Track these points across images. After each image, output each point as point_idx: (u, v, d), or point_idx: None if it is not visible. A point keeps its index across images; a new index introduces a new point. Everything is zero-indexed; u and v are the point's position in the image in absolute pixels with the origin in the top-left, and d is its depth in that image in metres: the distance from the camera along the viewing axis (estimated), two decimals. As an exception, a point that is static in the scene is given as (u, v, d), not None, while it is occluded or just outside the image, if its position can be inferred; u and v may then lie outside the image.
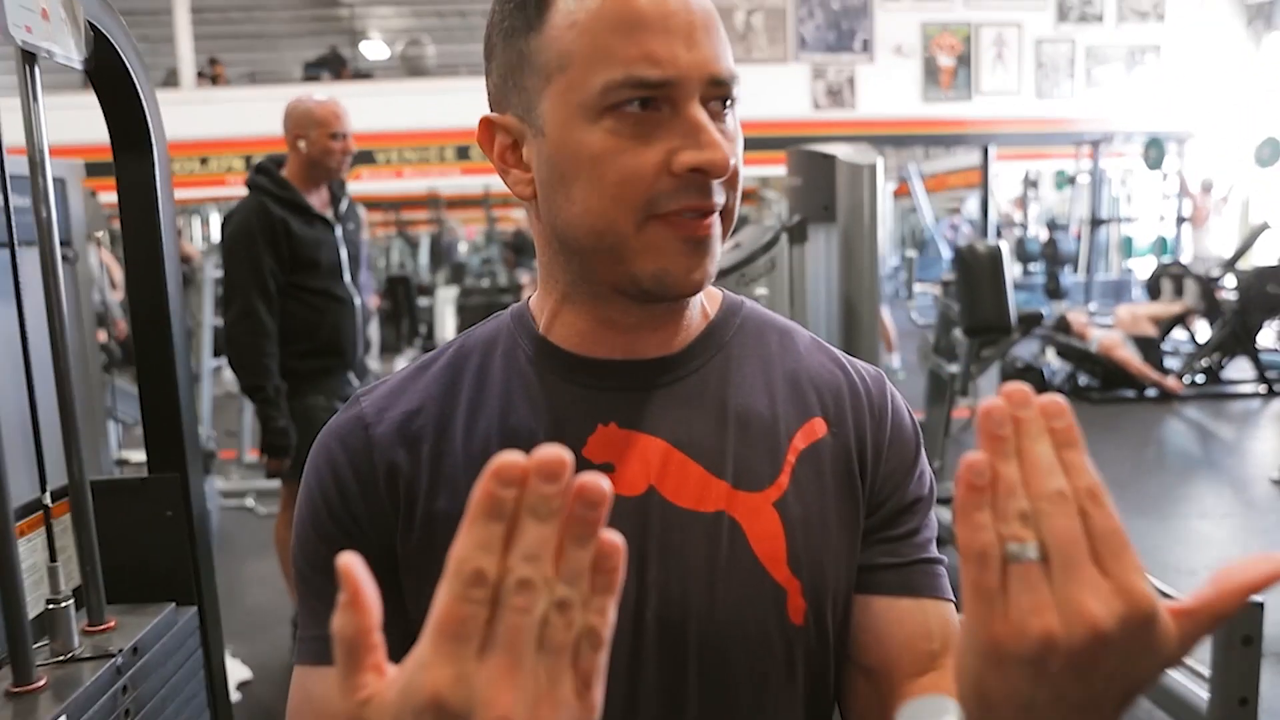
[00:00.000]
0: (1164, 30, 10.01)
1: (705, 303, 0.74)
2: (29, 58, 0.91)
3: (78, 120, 3.18)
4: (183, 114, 8.84)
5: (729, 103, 0.64)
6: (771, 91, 9.76)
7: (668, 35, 0.61)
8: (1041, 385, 6.35)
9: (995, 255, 3.31)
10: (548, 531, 0.35)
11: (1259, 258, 7.05)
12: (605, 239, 0.63)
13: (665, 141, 0.61)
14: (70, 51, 0.95)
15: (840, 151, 2.97)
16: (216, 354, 5.48)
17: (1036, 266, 10.31)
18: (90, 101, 1.14)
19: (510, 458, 0.35)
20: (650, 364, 0.70)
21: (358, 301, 2.74)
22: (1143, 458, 5.19)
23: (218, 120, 8.83)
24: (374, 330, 6.94)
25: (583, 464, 0.67)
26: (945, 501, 3.57)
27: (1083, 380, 6.43)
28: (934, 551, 0.74)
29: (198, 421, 1.25)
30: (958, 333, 3.66)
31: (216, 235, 11.53)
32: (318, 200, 2.67)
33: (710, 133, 0.61)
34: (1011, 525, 0.40)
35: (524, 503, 0.35)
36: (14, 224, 0.95)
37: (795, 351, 0.74)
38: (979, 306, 3.41)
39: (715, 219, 0.64)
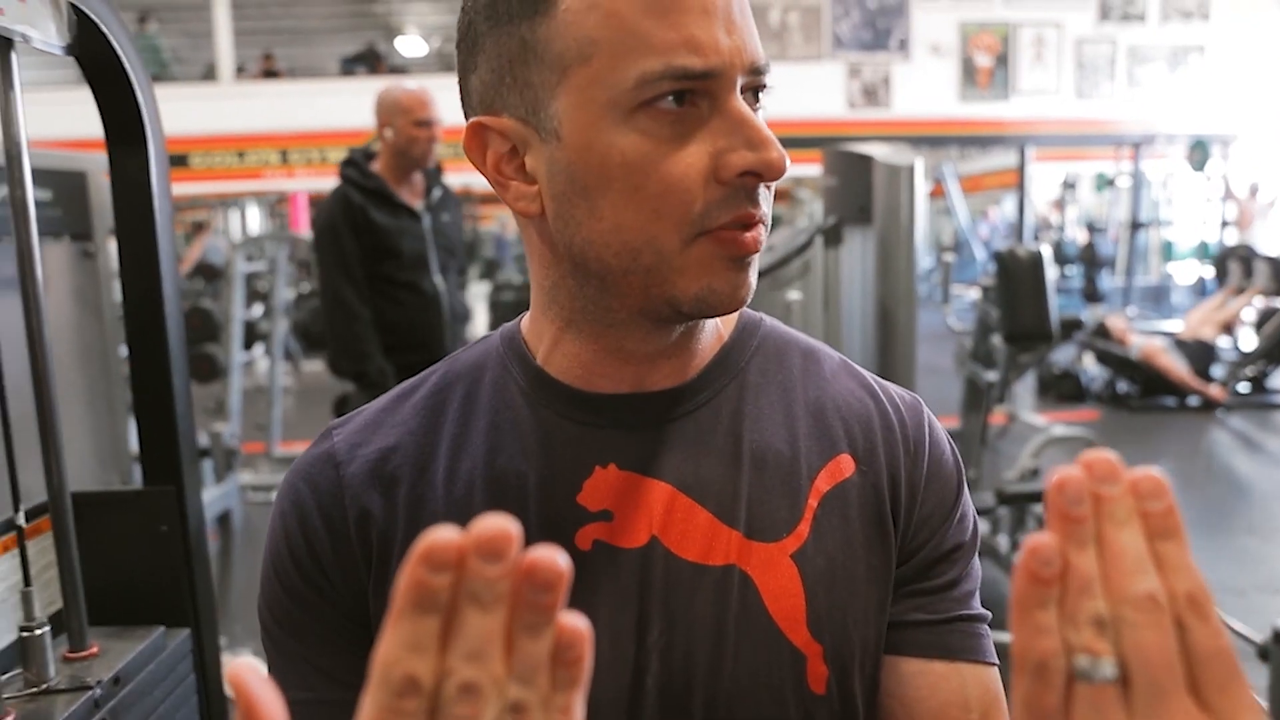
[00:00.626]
0: (1209, 30, 9.76)
1: (720, 321, 0.65)
2: (4, 43, 0.85)
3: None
4: (221, 108, 8.90)
5: (762, 93, 0.57)
6: (806, 90, 9.65)
7: (707, 17, 0.52)
8: (1079, 392, 6.20)
9: (1037, 260, 3.19)
10: (493, 622, 0.29)
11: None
12: (642, 258, 0.54)
13: (707, 142, 0.53)
14: (50, 36, 0.88)
15: (878, 152, 2.87)
16: (247, 347, 5.49)
17: (1074, 270, 10.11)
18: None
19: (443, 535, 0.28)
20: (657, 397, 0.61)
21: (445, 295, 2.65)
22: (1185, 470, 5.03)
23: (255, 114, 8.87)
24: (481, 326, 6.87)
25: (578, 512, 0.60)
26: (982, 512, 3.46)
27: (1122, 387, 6.26)
28: (975, 607, 0.65)
29: (195, 430, 1.18)
30: (996, 339, 3.54)
31: (253, 229, 11.62)
32: (408, 190, 2.61)
33: (760, 129, 0.53)
34: (1084, 633, 0.31)
35: (463, 589, 0.29)
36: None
37: (820, 376, 0.66)
38: (1020, 313, 3.29)
39: (761, 230, 0.56)
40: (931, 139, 9.95)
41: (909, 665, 0.62)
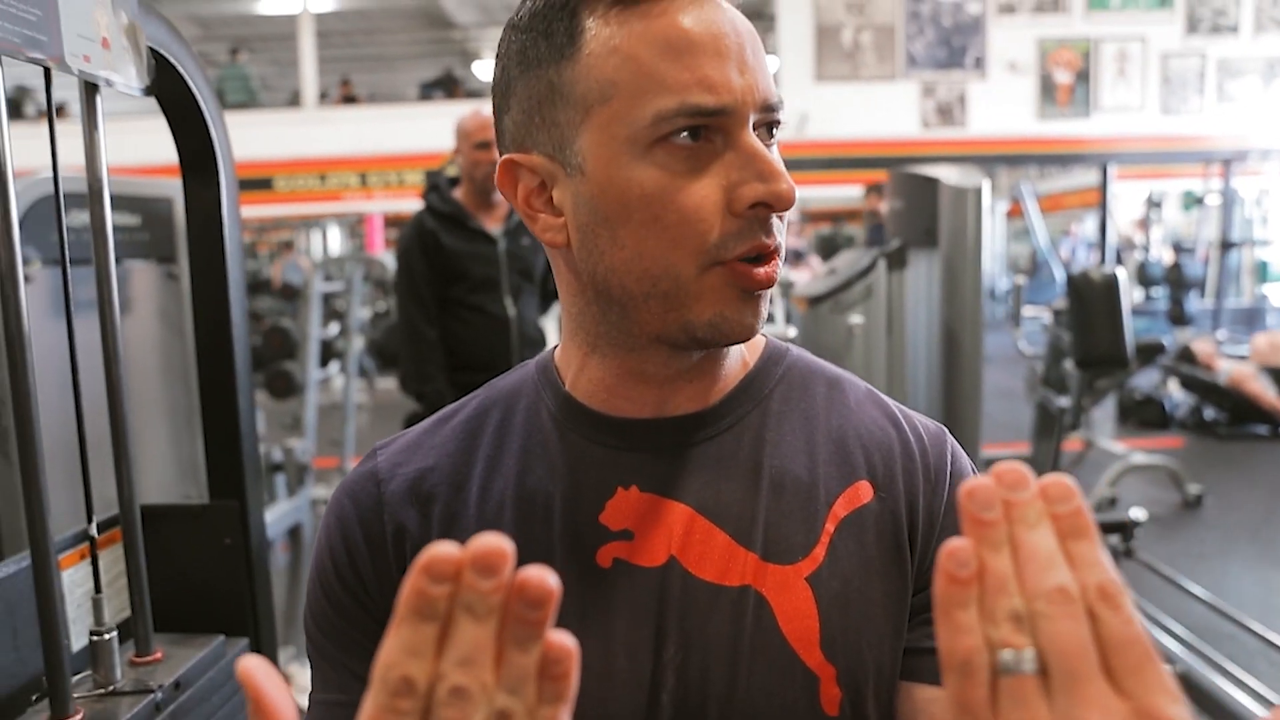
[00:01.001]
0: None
1: (745, 350, 0.68)
2: (90, 87, 0.91)
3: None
4: (304, 133, 9.24)
5: (775, 129, 0.60)
6: (879, 110, 9.56)
7: (720, 59, 0.56)
8: (1163, 419, 5.98)
9: (1111, 284, 3.11)
10: (485, 632, 0.31)
11: None
12: (660, 284, 0.58)
13: (721, 175, 0.56)
14: (131, 80, 0.94)
15: (944, 174, 2.84)
16: (323, 365, 5.65)
17: (1159, 291, 9.77)
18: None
19: (443, 549, 0.31)
20: (679, 421, 0.64)
21: (515, 318, 2.68)
22: (1270, 502, 4.80)
23: (336, 139, 9.18)
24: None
25: (600, 531, 0.62)
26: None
27: (1209, 414, 6.01)
28: None
29: (259, 446, 1.24)
30: (1068, 364, 3.45)
31: (334, 249, 11.98)
32: (488, 214, 2.67)
33: (772, 162, 0.56)
34: (1002, 629, 0.33)
35: (459, 600, 0.31)
36: (66, 242, 0.95)
37: (843, 405, 0.68)
38: (1092, 338, 3.21)
39: (774, 265, 0.59)
40: (1008, 158, 9.75)
41: (923, 691, 0.63)
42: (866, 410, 0.68)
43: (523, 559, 0.60)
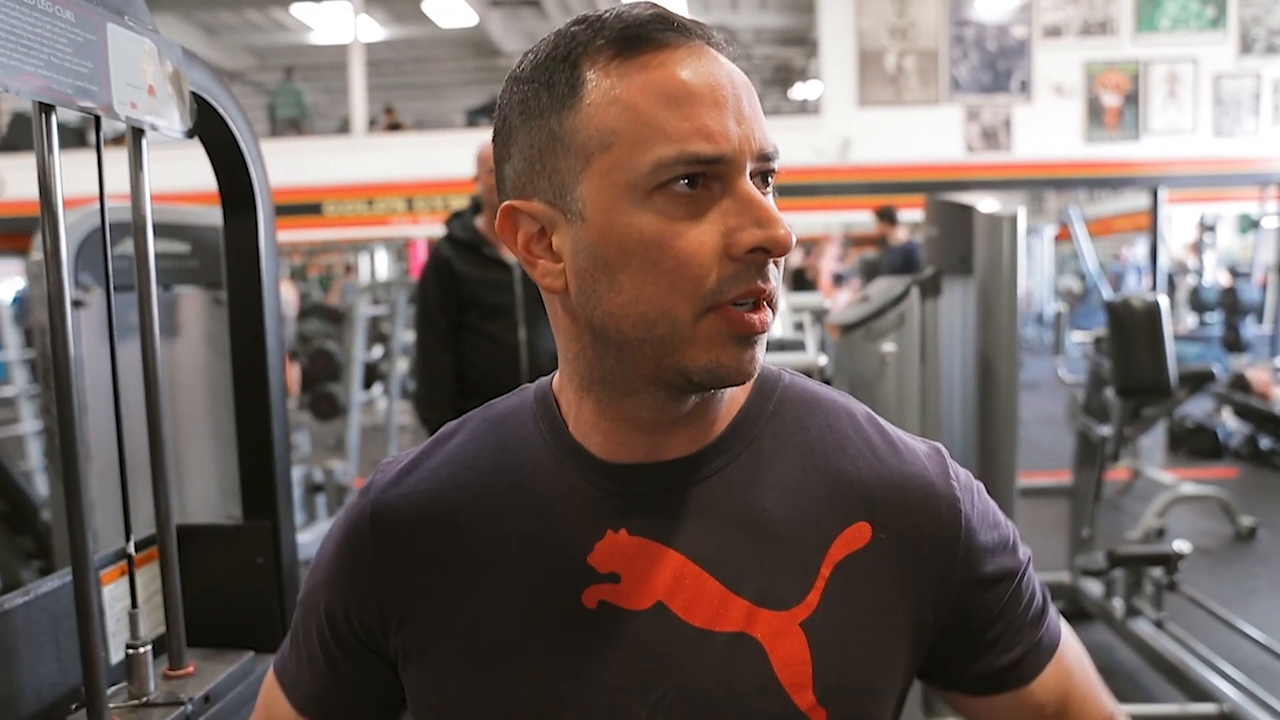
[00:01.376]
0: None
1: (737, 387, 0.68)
2: (136, 132, 0.97)
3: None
4: (353, 159, 9.46)
5: (771, 178, 0.61)
6: (923, 135, 9.52)
7: (718, 109, 0.57)
8: (1215, 449, 5.84)
9: (1153, 311, 3.06)
10: None
11: None
12: (656, 329, 0.58)
13: (719, 221, 0.58)
14: (174, 124, 1.00)
15: (979, 201, 2.83)
16: (366, 387, 5.76)
17: (1213, 317, 9.56)
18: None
19: None
20: (671, 466, 0.64)
21: (526, 346, 2.66)
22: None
23: (384, 165, 9.38)
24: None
25: (587, 572, 0.63)
26: (1093, 574, 3.30)
27: (1264, 443, 5.85)
28: (1034, 632, 0.69)
29: (290, 470, 1.29)
30: (1109, 392, 3.40)
31: (381, 273, 12.22)
32: None
33: (769, 209, 0.58)
34: None
35: None
36: (118, 268, 1.00)
37: (841, 437, 0.67)
38: (1133, 365, 3.16)
39: (768, 311, 0.60)
40: (1056, 182, 9.63)
41: (977, 700, 0.68)
42: (863, 443, 0.67)
43: (509, 595, 0.63)
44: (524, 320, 2.64)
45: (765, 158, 0.59)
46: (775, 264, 0.60)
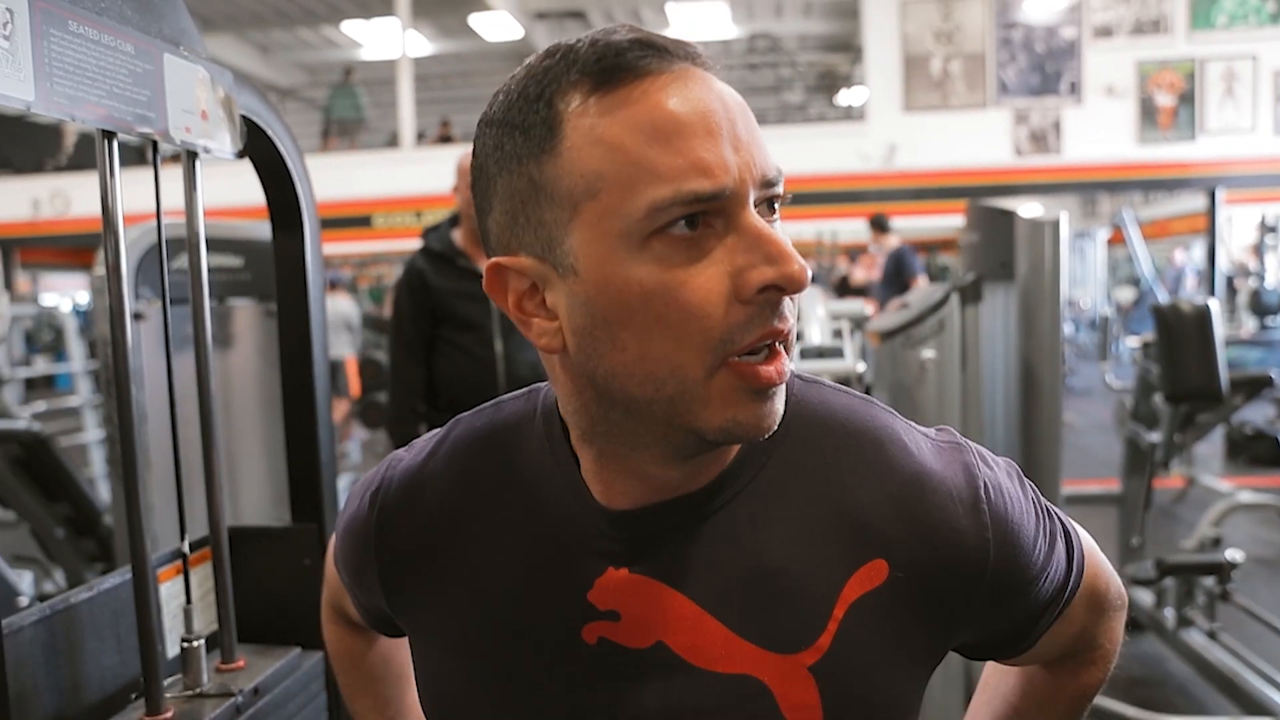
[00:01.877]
0: None
1: None
2: (190, 155, 1.03)
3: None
4: (401, 172, 9.65)
5: (777, 203, 0.56)
6: (970, 139, 9.42)
7: (712, 138, 0.52)
8: (1275, 455, 5.68)
9: (1203, 315, 3.01)
10: None
11: None
12: (665, 388, 0.54)
13: (725, 262, 0.52)
14: (225, 146, 1.06)
15: (1021, 207, 2.82)
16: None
17: (1276, 320, 9.28)
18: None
19: None
20: (674, 504, 0.60)
21: (503, 359, 2.64)
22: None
23: (432, 177, 9.55)
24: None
25: (587, 608, 0.61)
26: (1143, 583, 3.25)
27: (1328, 452, 5.68)
28: (1059, 594, 0.66)
29: (337, 476, 1.34)
30: (1158, 398, 3.34)
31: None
32: (483, 254, 2.72)
33: (779, 242, 0.53)
34: None
35: None
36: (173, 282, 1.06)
37: (855, 464, 0.61)
38: (1182, 371, 3.11)
39: (784, 358, 0.55)
40: (1107, 184, 9.46)
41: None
42: (880, 466, 0.61)
43: (509, 624, 0.63)
44: (500, 333, 2.58)
45: (769, 183, 0.54)
46: (791, 300, 0.55)
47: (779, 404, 0.56)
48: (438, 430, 0.72)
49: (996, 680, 0.79)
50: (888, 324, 2.87)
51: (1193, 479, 5.00)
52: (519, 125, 0.55)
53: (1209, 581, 3.02)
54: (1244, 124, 9.21)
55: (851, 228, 8.96)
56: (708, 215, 0.52)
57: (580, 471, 0.62)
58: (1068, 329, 8.68)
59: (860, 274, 7.53)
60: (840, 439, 0.62)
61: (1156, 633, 3.21)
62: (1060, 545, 0.66)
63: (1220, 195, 9.40)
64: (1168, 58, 9.28)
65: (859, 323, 3.06)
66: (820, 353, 2.41)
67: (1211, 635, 2.98)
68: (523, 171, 0.55)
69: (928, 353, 2.71)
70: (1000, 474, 0.64)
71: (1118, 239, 11.87)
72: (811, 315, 2.72)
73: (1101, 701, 2.64)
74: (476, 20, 11.02)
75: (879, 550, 0.59)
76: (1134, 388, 3.76)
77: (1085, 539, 0.70)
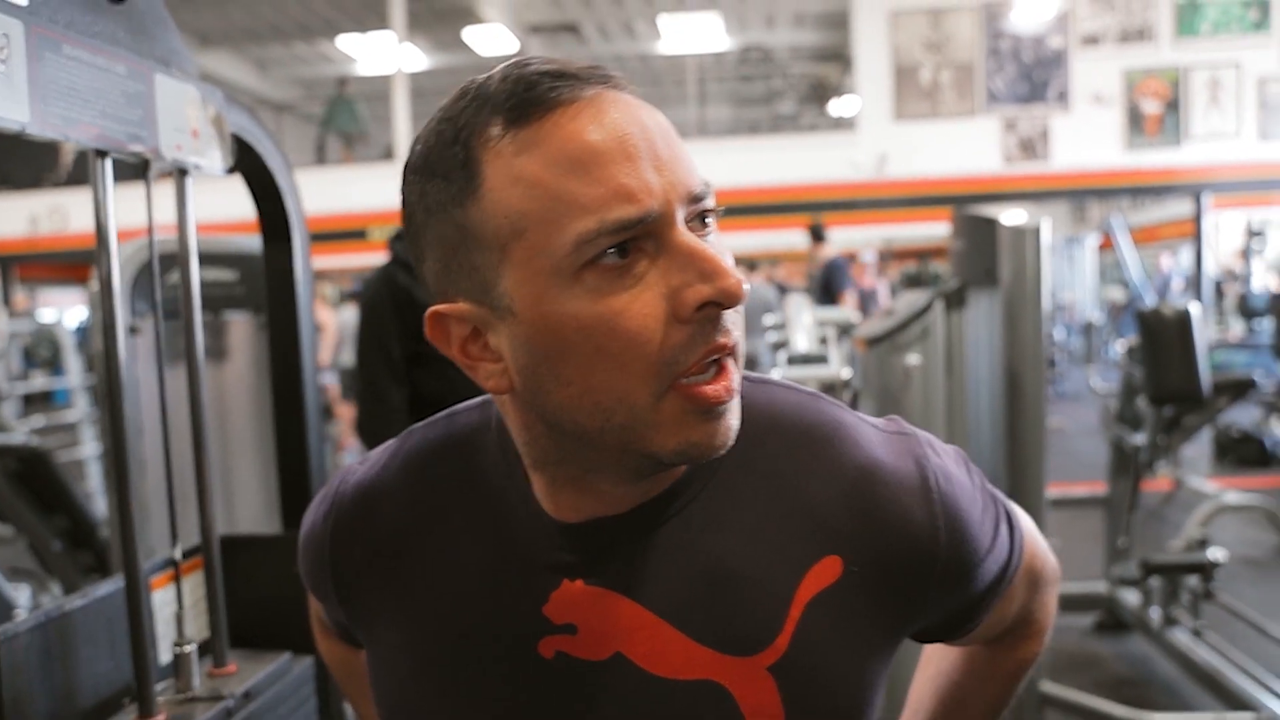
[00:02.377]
0: None
1: None
2: (181, 172, 1.06)
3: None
4: (397, 185, 9.67)
5: (710, 216, 0.56)
6: (960, 147, 9.50)
7: (631, 163, 0.52)
8: (1262, 457, 5.73)
9: (1184, 319, 3.05)
10: None
11: None
12: (615, 417, 0.54)
13: (660, 284, 0.53)
14: (215, 163, 1.09)
15: (1003, 214, 2.86)
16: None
17: (1263, 323, 9.36)
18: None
19: None
20: (628, 517, 0.61)
21: None
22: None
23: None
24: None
25: (542, 622, 0.61)
26: (1129, 583, 3.28)
27: (1316, 453, 5.73)
28: (1003, 577, 0.67)
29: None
30: (1141, 401, 3.38)
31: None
32: None
33: (713, 258, 0.53)
34: None
35: None
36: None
37: (805, 459, 0.62)
38: (1164, 374, 3.15)
39: (733, 370, 0.55)
40: (1096, 191, 9.54)
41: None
42: (833, 463, 0.62)
43: (463, 639, 0.63)
44: None
45: (696, 199, 0.54)
46: (734, 312, 0.55)
47: (732, 419, 0.56)
48: (392, 441, 0.71)
49: (938, 658, 0.82)
50: (873, 331, 2.90)
51: (1180, 481, 5.03)
52: (439, 172, 0.55)
53: (1194, 581, 3.05)
54: (1229, 130, 9.29)
55: (845, 237, 9.02)
56: (637, 240, 0.52)
57: (533, 487, 0.62)
58: (1059, 334, 8.71)
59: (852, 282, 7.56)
60: (789, 436, 0.63)
61: (1143, 632, 3.24)
62: (1004, 528, 0.67)
63: (1206, 201, 9.47)
64: (1153, 66, 9.38)
65: (846, 329, 3.09)
66: (806, 359, 2.44)
67: (1197, 634, 3.01)
68: (448, 218, 0.55)
69: (912, 358, 2.75)
70: (949, 461, 0.65)
71: (1108, 245, 11.96)
72: (798, 322, 2.75)
73: (1088, 700, 2.67)
74: (470, 34, 11.07)
75: (833, 546, 0.60)
76: (1119, 391, 3.80)
77: (1024, 519, 0.72)
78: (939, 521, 0.61)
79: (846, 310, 3.64)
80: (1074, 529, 4.06)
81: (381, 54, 11.40)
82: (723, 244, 0.56)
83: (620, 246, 0.52)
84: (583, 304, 0.52)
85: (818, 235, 6.37)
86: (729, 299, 0.52)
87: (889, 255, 12.89)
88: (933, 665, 0.82)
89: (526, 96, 0.53)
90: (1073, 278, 14.26)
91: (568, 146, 0.52)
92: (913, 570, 0.61)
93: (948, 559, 0.62)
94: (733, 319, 0.55)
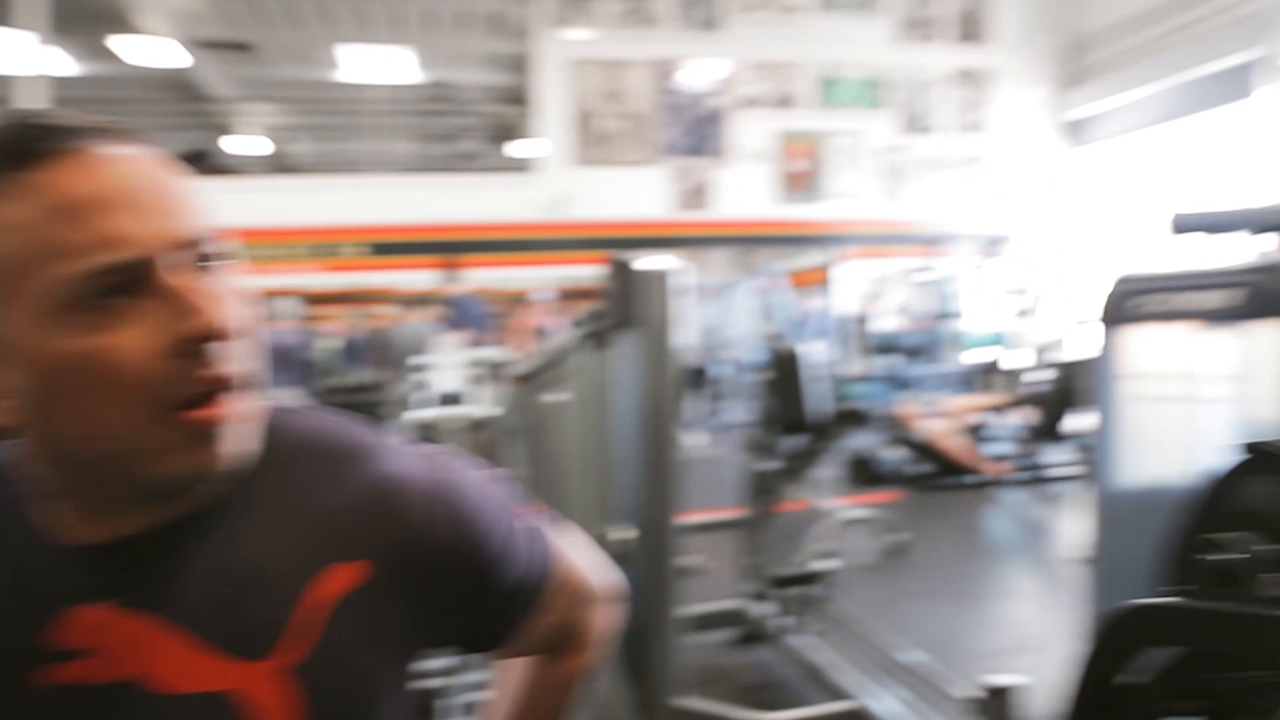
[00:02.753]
0: (985, 141, 10.91)
1: None
2: None
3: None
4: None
5: (210, 261, 0.60)
6: (636, 193, 10.13)
7: (114, 212, 0.56)
8: (873, 476, 6.62)
9: (792, 355, 3.48)
10: None
11: (1072, 352, 7.56)
12: (109, 447, 0.58)
13: (147, 323, 0.57)
14: None
15: (638, 259, 3.09)
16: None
17: (890, 360, 10.85)
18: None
19: None
20: (147, 537, 0.62)
21: None
22: (960, 543, 5.42)
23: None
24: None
25: (41, 650, 0.61)
26: (758, 597, 3.62)
27: (925, 468, 6.71)
28: (524, 591, 0.74)
29: None
30: (764, 430, 3.79)
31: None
32: None
33: (188, 298, 0.57)
34: None
35: None
36: None
37: (332, 473, 0.66)
38: (787, 405, 3.56)
39: (226, 400, 0.59)
40: (751, 239, 10.58)
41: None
42: (356, 476, 0.66)
43: None
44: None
45: (190, 244, 0.59)
46: (241, 347, 0.60)
47: (229, 444, 0.60)
48: None
49: (505, 674, 0.90)
50: (522, 369, 3.01)
51: (812, 502, 5.67)
52: None
53: (813, 590, 3.45)
54: (859, 190, 10.72)
55: (522, 276, 9.24)
56: (126, 283, 0.56)
57: (58, 516, 0.63)
58: (725, 369, 9.55)
59: (533, 319, 7.76)
60: (322, 455, 0.67)
61: (773, 640, 3.60)
62: (526, 542, 0.74)
63: (840, 250, 10.85)
64: (796, 130, 10.60)
65: (497, 368, 3.18)
66: (444, 399, 2.48)
67: (821, 636, 3.40)
68: None
69: (553, 396, 2.88)
70: (470, 477, 0.72)
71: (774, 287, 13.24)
72: (444, 363, 2.78)
73: (713, 708, 2.91)
74: (118, 43, 10.05)
75: (359, 552, 0.64)
76: (752, 421, 4.21)
77: (570, 541, 0.82)
78: (450, 525, 0.68)
79: (503, 349, 3.74)
80: (717, 551, 4.42)
81: (18, 53, 10.02)
82: (226, 284, 0.61)
83: (109, 289, 0.56)
84: (73, 343, 0.56)
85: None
86: (208, 334, 0.57)
87: (574, 294, 13.39)
88: (501, 680, 0.90)
89: (22, 147, 0.56)
90: (732, 318, 15.59)
91: (55, 198, 0.55)
92: (427, 570, 0.66)
93: (460, 558, 0.68)
94: (228, 351, 0.59)
